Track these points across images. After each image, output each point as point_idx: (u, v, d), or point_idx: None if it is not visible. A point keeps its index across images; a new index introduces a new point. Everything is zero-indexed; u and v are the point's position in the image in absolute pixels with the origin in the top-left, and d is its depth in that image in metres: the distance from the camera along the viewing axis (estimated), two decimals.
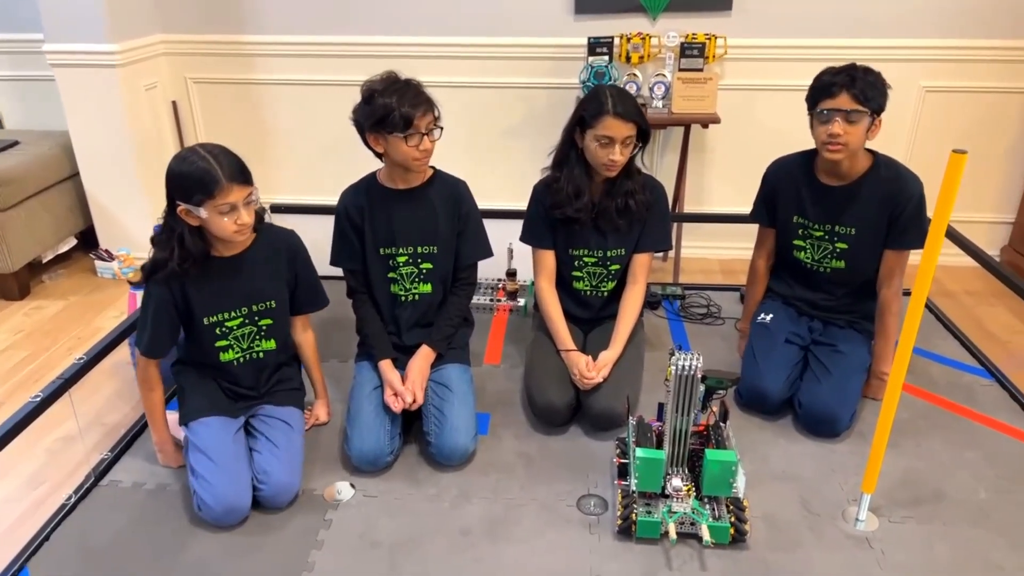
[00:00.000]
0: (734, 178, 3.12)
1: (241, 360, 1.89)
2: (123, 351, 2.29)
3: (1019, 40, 2.85)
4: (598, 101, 1.95)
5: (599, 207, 2.09)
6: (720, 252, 3.24)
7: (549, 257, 2.19)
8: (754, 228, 2.38)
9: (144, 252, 3.07)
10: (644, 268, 2.19)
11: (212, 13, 3.09)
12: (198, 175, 1.65)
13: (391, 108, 1.82)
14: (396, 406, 1.94)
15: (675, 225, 3.05)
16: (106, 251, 3.18)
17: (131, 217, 3.14)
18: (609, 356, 2.06)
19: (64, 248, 3.23)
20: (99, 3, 2.78)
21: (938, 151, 3.05)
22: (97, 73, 2.88)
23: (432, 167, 2.06)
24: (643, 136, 2.01)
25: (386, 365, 2.01)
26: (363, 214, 2.03)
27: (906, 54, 2.89)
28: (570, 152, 2.07)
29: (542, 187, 2.16)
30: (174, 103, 3.22)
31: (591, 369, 2.02)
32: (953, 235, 2.76)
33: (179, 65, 3.19)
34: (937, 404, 2.18)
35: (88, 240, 3.30)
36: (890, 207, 2.04)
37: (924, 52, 2.89)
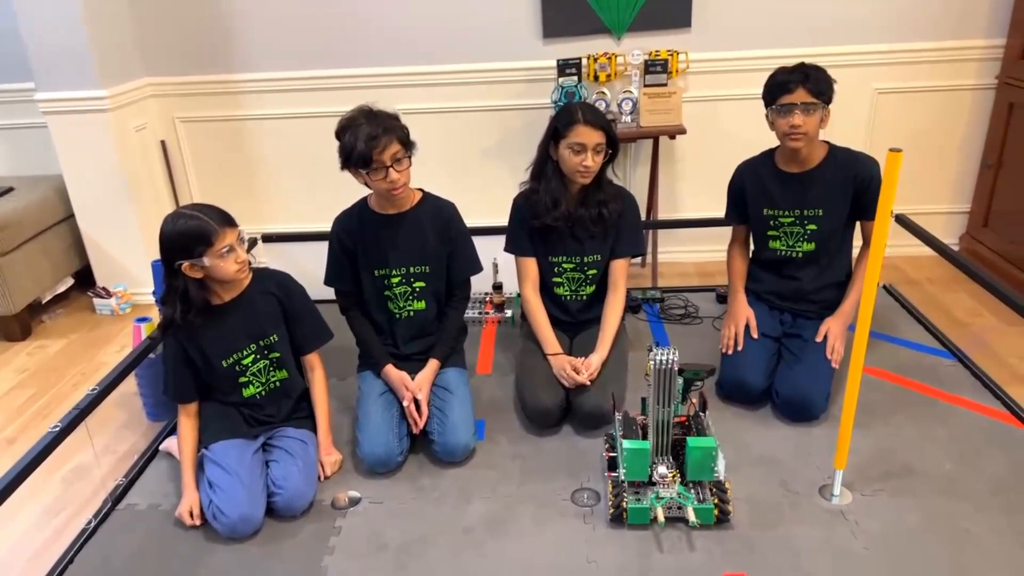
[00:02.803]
0: (704, 184, 3.27)
1: (263, 392, 2.03)
2: (130, 384, 2.39)
3: (963, 40, 3.03)
4: (569, 113, 2.13)
5: (574, 216, 2.23)
6: (695, 256, 3.38)
7: (532, 264, 2.33)
8: (726, 231, 2.52)
9: (141, 287, 3.21)
10: (622, 273, 2.32)
11: (195, 55, 3.22)
12: (195, 231, 1.80)
13: (351, 147, 1.94)
14: (413, 412, 2.06)
15: (651, 232, 3.20)
16: (104, 289, 3.27)
17: (126, 254, 3.25)
18: (597, 358, 2.18)
19: (62, 288, 3.32)
20: (87, 51, 2.90)
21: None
22: (88, 118, 2.99)
23: (421, 190, 2.19)
24: (612, 145, 2.15)
25: (390, 368, 2.13)
26: (355, 238, 2.15)
27: (858, 59, 3.06)
28: (546, 165, 2.22)
29: (522, 199, 2.30)
30: (163, 143, 3.33)
31: (579, 370, 2.13)
32: (912, 226, 2.92)
33: (166, 106, 3.31)
34: (904, 385, 2.32)
35: (85, 279, 3.39)
36: (854, 185, 2.23)
37: (875, 56, 3.06)
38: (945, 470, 1.95)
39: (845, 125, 3.12)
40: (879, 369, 2.40)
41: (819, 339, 2.22)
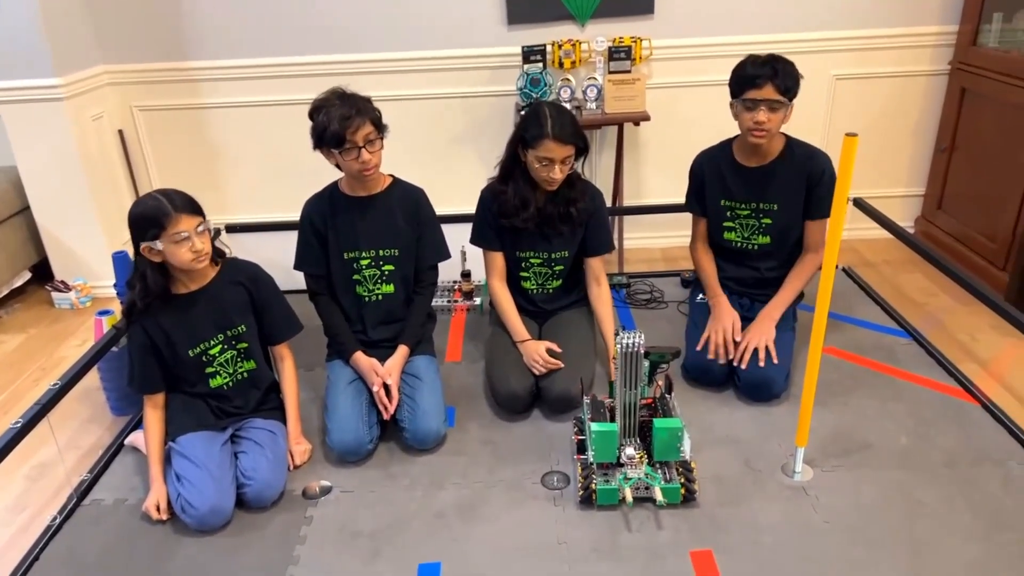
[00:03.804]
0: (668, 170, 3.30)
1: (230, 383, 2.01)
2: (92, 379, 2.35)
3: (917, 27, 3.10)
4: (538, 123, 2.07)
5: (543, 213, 2.23)
6: (660, 241, 3.42)
7: (498, 258, 2.34)
8: (690, 217, 2.55)
9: (100, 280, 3.15)
10: (602, 268, 2.36)
11: (153, 41, 3.15)
12: (151, 212, 1.79)
13: (324, 125, 1.95)
14: (383, 398, 2.06)
15: (616, 218, 3.23)
16: (62, 282, 3.20)
17: (85, 247, 3.18)
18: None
19: (19, 282, 3.25)
20: (41, 39, 2.82)
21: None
22: (43, 107, 2.91)
23: (391, 175, 2.19)
24: (582, 152, 2.15)
25: (359, 355, 2.13)
26: (326, 220, 2.15)
27: (817, 46, 3.11)
28: (514, 167, 2.20)
29: (489, 194, 2.29)
30: (121, 132, 3.26)
31: (548, 361, 2.15)
32: (868, 209, 2.99)
33: (124, 94, 3.24)
34: (863, 364, 2.39)
35: (42, 272, 3.31)
36: (807, 181, 2.26)
37: (833, 43, 3.12)
38: (901, 444, 2.02)
39: (805, 111, 3.17)
40: (838, 349, 2.46)
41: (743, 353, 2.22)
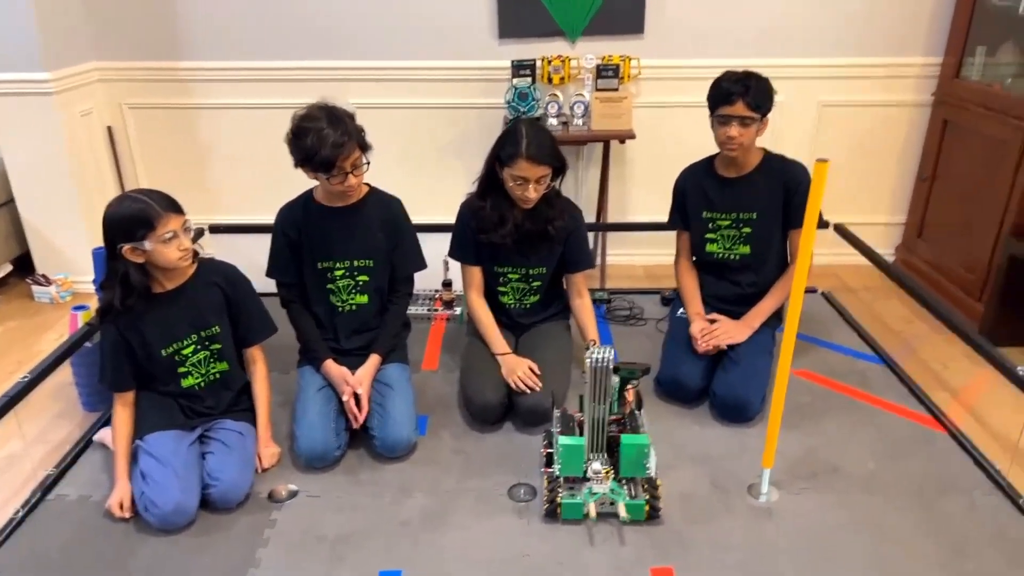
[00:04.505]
0: (653, 189, 3.33)
1: (202, 384, 2.01)
2: (66, 373, 2.35)
3: (903, 57, 3.14)
4: (514, 141, 2.08)
5: (521, 230, 2.23)
6: (643, 258, 3.44)
7: (476, 272, 2.35)
8: (674, 235, 2.57)
9: (82, 276, 3.14)
10: (583, 283, 2.38)
11: (147, 40, 3.16)
12: (138, 214, 1.79)
13: (314, 150, 1.93)
14: (352, 407, 2.05)
15: (599, 234, 3.25)
16: (43, 276, 3.19)
17: (68, 242, 3.17)
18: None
19: (0, 274, 3.24)
20: (33, 32, 2.83)
21: (835, 161, 3.30)
22: (32, 101, 2.92)
23: (367, 184, 2.19)
24: (558, 172, 2.17)
25: (330, 364, 2.13)
26: (300, 230, 2.15)
27: (805, 72, 3.15)
28: (492, 183, 2.21)
29: (468, 210, 2.29)
30: (109, 129, 3.27)
31: (529, 379, 2.15)
32: (849, 236, 3.02)
33: (114, 91, 3.25)
34: (835, 389, 2.40)
35: (24, 266, 3.30)
36: (784, 191, 2.31)
37: (821, 70, 3.16)
38: (868, 469, 2.03)
39: (791, 136, 3.22)
40: (812, 372, 2.48)
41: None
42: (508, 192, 2.18)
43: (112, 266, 1.87)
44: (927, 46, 3.12)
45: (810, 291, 3.11)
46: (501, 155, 2.12)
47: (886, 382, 2.45)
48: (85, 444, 2.15)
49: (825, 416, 2.26)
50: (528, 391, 2.14)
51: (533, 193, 2.12)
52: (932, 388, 2.41)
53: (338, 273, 2.17)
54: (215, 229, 3.18)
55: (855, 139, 3.28)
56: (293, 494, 1.95)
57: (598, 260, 3.31)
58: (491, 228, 2.23)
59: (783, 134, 3.17)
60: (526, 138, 2.07)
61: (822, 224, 3.07)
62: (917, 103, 3.21)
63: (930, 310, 2.53)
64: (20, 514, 1.87)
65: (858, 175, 3.33)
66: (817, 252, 3.29)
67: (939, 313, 2.46)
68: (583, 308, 2.35)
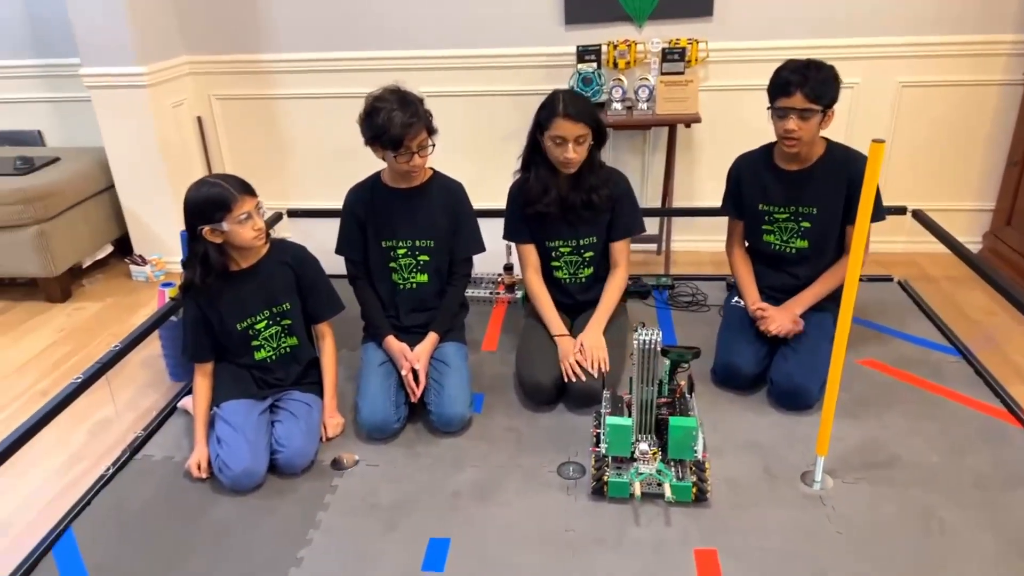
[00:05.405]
0: (720, 174, 3.20)
1: (273, 357, 2.15)
2: (155, 346, 2.54)
3: (990, 35, 2.97)
4: (551, 104, 2.14)
5: (566, 201, 2.27)
6: (710, 245, 3.39)
7: (531, 250, 2.39)
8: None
9: (175, 256, 3.36)
10: (623, 254, 2.37)
11: (232, 35, 3.35)
12: (216, 197, 1.93)
13: (384, 128, 2.03)
14: (411, 381, 2.15)
15: (664, 219, 3.23)
16: (140, 256, 3.44)
17: (162, 225, 3.41)
18: (589, 339, 2.23)
19: (102, 255, 3.51)
20: (129, 30, 3.05)
21: (917, 144, 3.18)
22: (129, 93, 3.15)
23: (431, 168, 2.28)
24: (598, 135, 2.18)
25: (391, 339, 2.22)
26: (367, 209, 2.25)
27: (882, 51, 3.03)
28: (535, 153, 2.26)
29: (515, 188, 2.36)
30: (199, 119, 3.48)
31: (579, 356, 2.18)
32: (928, 223, 2.89)
33: (203, 84, 3.45)
34: (904, 380, 2.32)
35: (123, 247, 3.57)
36: (847, 186, 2.22)
37: (899, 49, 3.03)
38: (931, 462, 1.96)
39: (868, 118, 3.11)
40: (880, 362, 2.40)
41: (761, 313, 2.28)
42: (551, 161, 2.22)
43: (193, 247, 2.03)
44: (1017, 22, 2.93)
45: (886, 279, 3.00)
46: (541, 120, 2.17)
47: (960, 374, 2.34)
48: (170, 410, 2.33)
49: (890, 407, 2.19)
50: (578, 378, 2.18)
51: (573, 153, 2.14)
52: (1010, 381, 2.30)
53: (400, 252, 2.26)
54: (293, 213, 3.35)
55: (938, 121, 3.13)
56: (355, 463, 2.06)
57: (662, 245, 3.29)
58: (536, 199, 2.27)
59: (861, 115, 3.06)
60: (562, 100, 2.12)
61: (898, 210, 2.97)
62: (1007, 82, 3.03)
63: (1013, 302, 2.40)
64: (111, 471, 2.05)
65: (941, 159, 3.17)
66: (895, 239, 3.23)
67: (1020, 304, 2.34)
68: (609, 282, 2.36)
